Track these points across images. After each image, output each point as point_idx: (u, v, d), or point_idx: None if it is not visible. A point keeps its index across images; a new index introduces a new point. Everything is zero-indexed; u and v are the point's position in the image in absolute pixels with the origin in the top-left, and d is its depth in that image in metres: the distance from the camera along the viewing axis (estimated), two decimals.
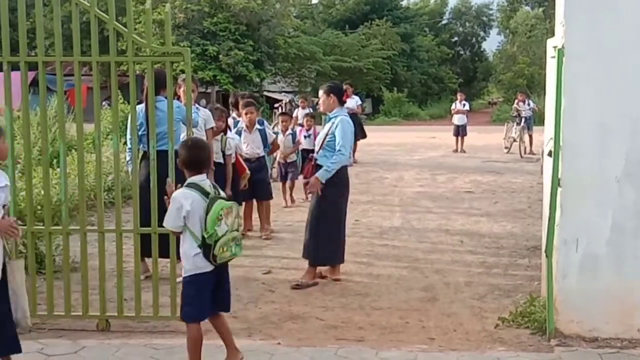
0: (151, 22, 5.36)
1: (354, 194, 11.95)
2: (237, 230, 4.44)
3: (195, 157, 4.45)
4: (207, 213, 4.24)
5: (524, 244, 8.51)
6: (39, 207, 6.84)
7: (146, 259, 6.27)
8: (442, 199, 12.16)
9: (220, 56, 33.54)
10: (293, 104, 30.00)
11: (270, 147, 9.30)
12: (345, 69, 41.02)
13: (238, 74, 34.13)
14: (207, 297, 4.43)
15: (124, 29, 5.26)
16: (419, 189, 13.40)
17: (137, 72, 6.94)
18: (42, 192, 5.87)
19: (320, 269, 6.97)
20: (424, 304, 6.26)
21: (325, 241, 6.79)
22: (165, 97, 5.60)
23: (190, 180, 4.41)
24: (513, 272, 7.33)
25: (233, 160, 8.12)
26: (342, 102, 7.03)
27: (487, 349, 5.14)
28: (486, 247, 8.45)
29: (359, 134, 15.29)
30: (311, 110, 14.74)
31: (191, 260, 4.36)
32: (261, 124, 9.48)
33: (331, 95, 6.89)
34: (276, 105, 28.99)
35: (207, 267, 4.34)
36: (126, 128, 7.03)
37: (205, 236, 4.24)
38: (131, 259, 5.79)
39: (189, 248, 4.38)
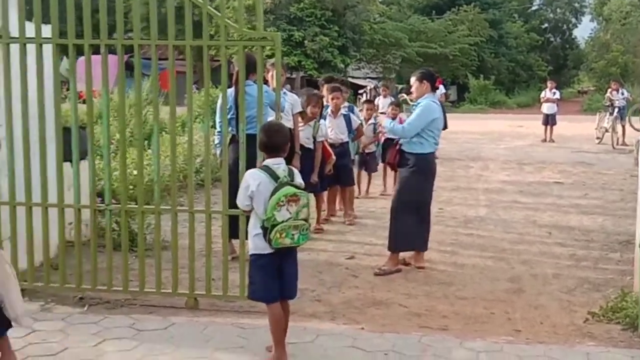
0: (243, 7, 5.41)
1: (438, 181, 11.76)
2: (306, 220, 4.38)
3: (270, 141, 4.46)
4: (271, 196, 4.26)
5: (615, 237, 8.23)
6: (131, 187, 7.09)
7: (233, 241, 6.38)
8: (529, 189, 11.89)
9: (306, 42, 33.70)
10: (377, 90, 29.85)
11: (355, 132, 9.22)
12: (431, 56, 40.59)
13: (323, 60, 34.22)
14: (270, 279, 4.43)
15: (217, 13, 5.35)
16: (505, 178, 13.15)
17: (231, 57, 7.06)
18: (136, 172, 6.08)
19: (403, 255, 6.93)
20: (509, 295, 6.15)
21: (407, 227, 6.74)
22: (255, 82, 5.66)
23: (265, 162, 4.45)
24: (604, 265, 7.10)
25: None
26: (434, 89, 6.95)
27: (576, 343, 5.01)
28: (575, 239, 8.22)
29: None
30: (393, 99, 14.40)
31: (252, 239, 4.43)
32: (351, 110, 9.48)
33: (424, 81, 6.80)
34: (360, 91, 28.86)
35: (266, 249, 4.35)
36: (214, 112, 7.19)
37: (264, 218, 4.28)
38: (219, 240, 5.90)
39: (252, 228, 4.45)
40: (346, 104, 9.52)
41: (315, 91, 8.59)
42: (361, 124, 9.54)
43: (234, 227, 5.62)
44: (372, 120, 10.27)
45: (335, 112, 8.71)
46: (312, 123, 7.95)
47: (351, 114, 9.09)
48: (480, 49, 45.02)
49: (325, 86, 9.09)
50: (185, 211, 5.63)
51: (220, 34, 5.37)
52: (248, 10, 27.86)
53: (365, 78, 41.20)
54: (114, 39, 5.54)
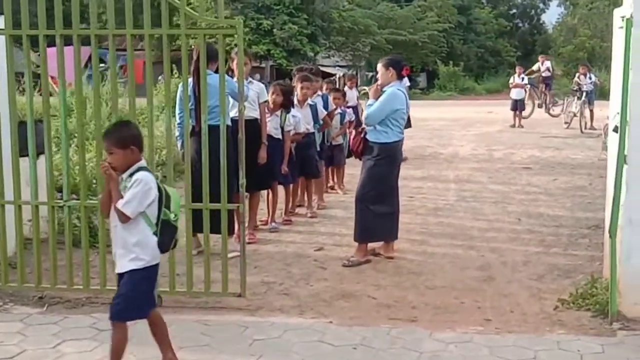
0: None
1: (408, 169, 11.86)
2: None
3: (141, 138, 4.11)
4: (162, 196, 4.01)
5: (584, 222, 8.22)
6: (94, 181, 6.91)
7: (198, 235, 6.24)
8: (499, 175, 11.89)
9: (275, 30, 33.47)
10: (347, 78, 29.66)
11: (321, 123, 9.04)
12: (400, 43, 40.56)
13: (292, 48, 34.03)
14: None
15: (177, 1, 5.18)
16: (475, 164, 13.14)
17: (193, 46, 6.88)
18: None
19: (372, 246, 6.84)
20: (479, 284, 6.09)
21: (372, 217, 6.64)
22: (215, 72, 5.51)
23: (143, 162, 4.07)
24: (573, 251, 7.09)
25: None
26: (400, 77, 6.84)
27: (545, 331, 4.95)
28: (545, 225, 8.20)
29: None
30: (359, 90, 13.29)
31: (149, 248, 4.01)
32: (325, 99, 9.31)
33: (390, 68, 6.69)
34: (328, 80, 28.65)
35: (158, 257, 4.09)
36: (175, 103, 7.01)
37: (172, 219, 4.06)
38: (184, 234, 5.75)
39: (142, 236, 4.00)
40: (319, 92, 9.34)
41: (280, 81, 8.43)
42: (328, 114, 9.31)
43: (199, 221, 5.48)
44: (339, 110, 9.85)
45: (302, 102, 8.56)
46: (278, 113, 7.81)
47: (317, 105, 8.91)
48: (449, 35, 45.08)
49: (296, 75, 8.96)
50: None
51: (180, 22, 5.21)
52: None
53: (334, 66, 41.05)
54: (69, 29, 5.34)
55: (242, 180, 5.34)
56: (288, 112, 7.94)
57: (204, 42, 5.26)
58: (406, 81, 13.55)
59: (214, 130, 5.24)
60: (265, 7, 33.85)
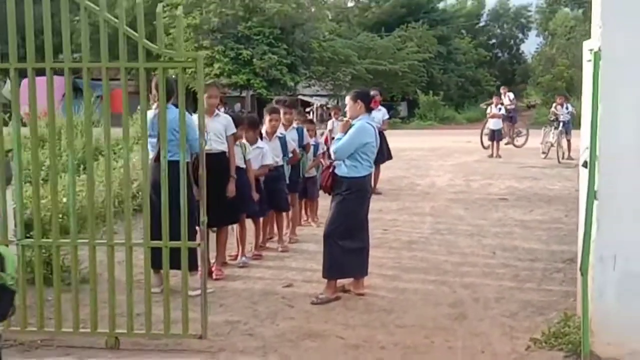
0: (162, 26, 5.10)
1: (383, 201, 11.74)
2: None
3: None
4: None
5: (559, 256, 8.09)
6: (61, 217, 6.69)
7: (161, 271, 6.03)
8: (475, 206, 11.76)
9: (254, 60, 33.45)
10: (324, 108, 29.54)
11: (291, 156, 8.84)
12: (381, 72, 40.69)
13: (272, 78, 34.02)
14: None
15: (135, 33, 5.04)
16: (452, 196, 13.01)
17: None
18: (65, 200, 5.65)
19: (343, 282, 6.67)
20: (451, 322, 5.91)
21: (342, 253, 6.47)
22: (175, 105, 5.36)
23: None
24: (547, 286, 6.94)
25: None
26: (369, 109, 6.71)
27: None
28: (519, 259, 8.05)
29: (385, 153, 12.40)
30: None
31: None
32: (300, 131, 9.16)
33: (358, 101, 6.58)
34: (307, 109, 28.47)
35: None
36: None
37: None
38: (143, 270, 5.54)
39: None
40: (294, 125, 9.17)
41: (248, 113, 8.29)
42: (303, 147, 9.15)
43: (159, 258, 5.28)
44: (312, 142, 9.67)
45: (270, 135, 8.40)
46: (239, 143, 7.63)
47: (287, 137, 8.74)
48: (429, 65, 45.28)
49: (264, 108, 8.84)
50: (104, 244, 5.27)
51: (139, 55, 5.07)
52: (194, 29, 27.57)
53: (312, 96, 41.09)
54: (42, 63, 5.16)
55: (203, 218, 5.15)
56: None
57: (163, 75, 5.11)
58: (385, 113, 13.46)
59: (171, 165, 5.08)
60: (244, 37, 33.86)
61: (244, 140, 7.74)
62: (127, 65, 5.15)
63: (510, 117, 21.85)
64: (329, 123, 13.09)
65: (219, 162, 6.92)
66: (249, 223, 8.12)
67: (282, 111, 8.74)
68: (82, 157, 8.83)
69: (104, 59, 5.07)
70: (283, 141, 8.56)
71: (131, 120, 13.97)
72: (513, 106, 22.44)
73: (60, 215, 6.51)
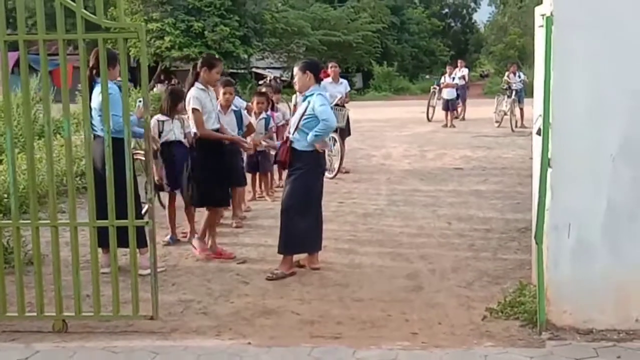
0: None
1: (339, 174, 11.63)
2: None
3: None
4: None
5: (514, 225, 8.11)
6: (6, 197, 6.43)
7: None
8: (430, 176, 11.76)
9: (206, 32, 32.84)
10: (278, 81, 29.23)
11: (246, 129, 8.66)
12: (335, 44, 40.47)
13: (224, 51, 33.41)
14: None
15: (72, 4, 4.79)
16: (407, 166, 13.00)
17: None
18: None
19: (297, 257, 6.56)
20: (407, 294, 5.86)
21: (299, 228, 6.36)
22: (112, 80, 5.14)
23: None
24: (502, 255, 6.94)
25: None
26: (318, 80, 6.57)
27: (473, 344, 4.74)
28: (475, 229, 8.05)
29: (345, 130, 12.33)
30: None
31: None
32: (238, 115, 8.91)
33: (307, 72, 6.42)
34: (260, 82, 28.05)
35: None
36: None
37: None
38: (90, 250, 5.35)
39: None
40: (233, 107, 8.79)
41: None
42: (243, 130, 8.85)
43: (106, 236, 5.09)
44: (263, 115, 9.49)
45: (225, 108, 8.18)
46: (178, 117, 7.50)
47: (242, 110, 8.56)
48: (383, 35, 45.22)
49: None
50: (47, 225, 5.06)
51: (77, 26, 4.82)
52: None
53: (266, 68, 40.65)
54: None
55: (150, 195, 4.98)
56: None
57: (104, 47, 4.88)
58: (346, 85, 13.17)
59: (115, 142, 4.88)
60: (195, 9, 33.17)
61: (184, 115, 7.55)
62: (65, 37, 4.89)
63: (458, 95, 21.33)
64: (293, 97, 12.75)
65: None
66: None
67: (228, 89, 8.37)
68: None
69: (41, 32, 4.82)
70: (238, 114, 8.39)
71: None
72: (464, 82, 21.98)
73: (7, 196, 6.29)
